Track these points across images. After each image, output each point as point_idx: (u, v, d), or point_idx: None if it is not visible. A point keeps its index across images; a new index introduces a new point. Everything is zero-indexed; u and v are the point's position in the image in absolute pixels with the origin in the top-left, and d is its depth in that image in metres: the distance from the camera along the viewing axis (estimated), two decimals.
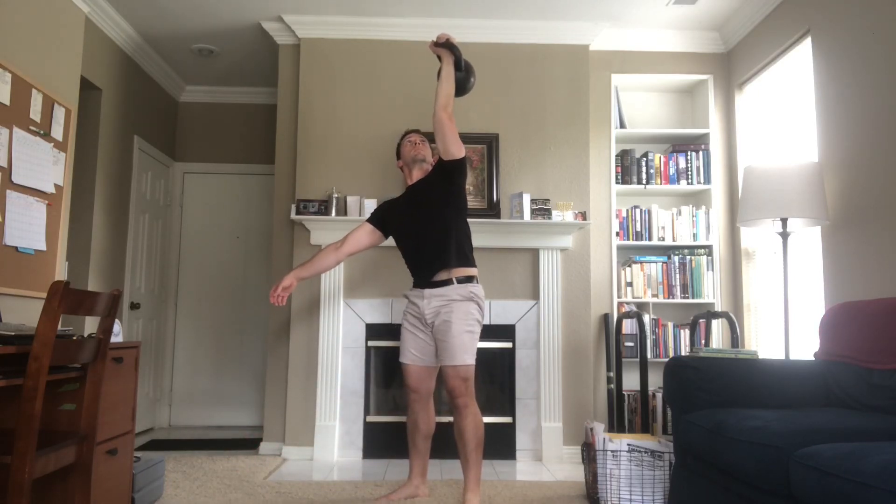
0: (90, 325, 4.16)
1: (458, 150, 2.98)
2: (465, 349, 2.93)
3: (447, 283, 2.98)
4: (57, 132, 3.44)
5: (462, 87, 3.15)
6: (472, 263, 3.06)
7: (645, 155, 4.44)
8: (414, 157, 3.16)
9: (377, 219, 3.24)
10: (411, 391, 3.11)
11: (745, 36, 4.26)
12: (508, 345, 4.16)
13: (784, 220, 3.28)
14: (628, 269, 4.33)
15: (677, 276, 4.32)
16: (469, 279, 3.00)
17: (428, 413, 3.14)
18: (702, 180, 4.40)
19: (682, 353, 4.25)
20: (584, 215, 4.18)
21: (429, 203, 3.06)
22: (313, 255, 3.40)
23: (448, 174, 3.03)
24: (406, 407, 3.20)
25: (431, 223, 3.03)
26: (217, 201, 5.57)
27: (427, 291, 3.01)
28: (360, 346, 4.15)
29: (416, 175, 3.17)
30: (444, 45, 3.08)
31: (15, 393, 2.20)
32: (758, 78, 4.19)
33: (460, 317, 2.93)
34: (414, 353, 3.08)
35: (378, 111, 4.33)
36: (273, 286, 3.11)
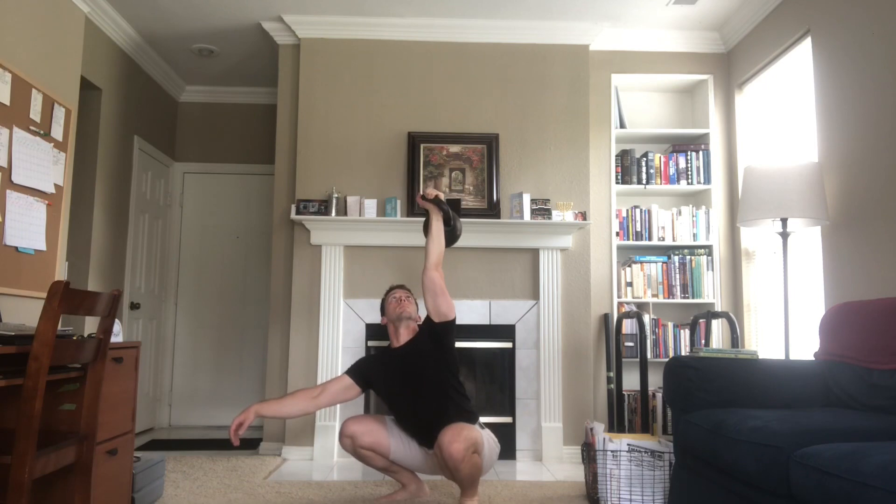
0: (90, 325, 4.16)
1: (449, 311, 2.91)
2: (479, 432, 2.82)
3: None
4: (57, 132, 3.44)
5: (451, 239, 3.06)
6: (475, 419, 2.94)
7: (645, 155, 4.44)
8: (399, 315, 3.02)
9: (360, 378, 3.04)
10: (345, 435, 2.95)
11: (745, 36, 4.26)
12: (508, 345, 4.16)
13: (784, 220, 3.28)
14: (628, 269, 4.33)
15: (677, 276, 4.32)
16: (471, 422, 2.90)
17: (372, 452, 3.00)
18: (702, 180, 4.40)
19: (682, 353, 4.25)
20: (584, 215, 4.18)
21: (423, 371, 2.94)
22: (284, 395, 3.23)
23: (440, 336, 2.94)
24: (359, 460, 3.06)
25: (429, 392, 2.92)
26: (217, 201, 5.57)
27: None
28: (360, 346, 4.15)
29: (403, 333, 3.03)
30: (433, 202, 2.98)
31: (15, 393, 2.20)
32: (758, 78, 4.19)
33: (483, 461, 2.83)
34: (401, 440, 2.98)
35: (378, 111, 4.33)
36: (233, 422, 2.83)
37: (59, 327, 2.05)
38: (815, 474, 1.76)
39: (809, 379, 2.69)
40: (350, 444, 2.97)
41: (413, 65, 4.36)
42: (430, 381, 2.93)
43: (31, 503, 2.31)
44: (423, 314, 3.08)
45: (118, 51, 4.54)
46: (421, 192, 3.06)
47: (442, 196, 3.01)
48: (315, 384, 4.11)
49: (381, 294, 4.15)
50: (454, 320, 2.96)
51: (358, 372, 3.06)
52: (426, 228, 3.03)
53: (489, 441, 2.90)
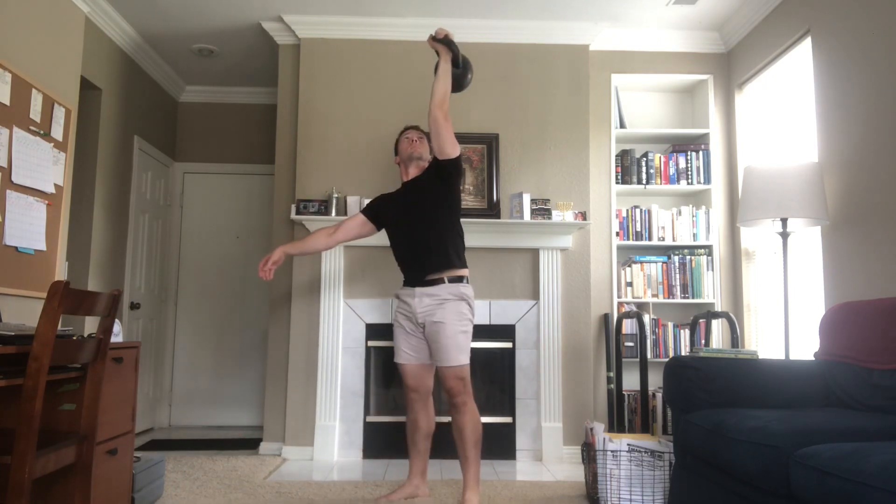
0: (90, 325, 4.16)
1: (452, 150, 2.97)
2: (460, 349, 2.94)
3: (438, 282, 2.99)
4: (57, 132, 3.44)
5: (459, 84, 3.12)
6: (463, 264, 3.07)
7: (645, 155, 4.44)
8: (410, 155, 3.15)
9: (371, 211, 3.26)
10: (410, 390, 3.12)
11: (745, 36, 4.26)
12: (508, 345, 4.15)
13: (784, 220, 3.28)
14: (628, 269, 4.33)
15: (677, 276, 4.32)
16: (459, 279, 3.02)
17: (428, 412, 3.15)
18: (702, 180, 4.40)
19: (682, 353, 4.25)
20: (584, 215, 4.18)
21: (422, 201, 3.06)
22: (306, 236, 3.42)
23: (443, 173, 3.03)
24: (405, 406, 3.20)
25: (424, 222, 3.04)
26: (217, 201, 5.57)
27: (418, 290, 3.01)
28: (360, 346, 4.15)
29: (413, 172, 3.17)
30: (442, 41, 3.04)
31: (15, 393, 2.20)
32: (758, 78, 4.19)
33: (452, 317, 2.94)
34: (408, 352, 3.08)
35: (378, 111, 4.33)
36: (263, 260, 3.13)
37: (59, 327, 2.05)
38: (815, 474, 1.76)
39: (809, 379, 2.70)
40: (416, 398, 3.12)
41: (413, 65, 4.35)
42: (428, 211, 3.04)
43: (31, 503, 2.31)
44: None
45: (118, 51, 4.54)
46: (432, 33, 3.08)
47: (452, 36, 3.04)
48: (315, 384, 4.12)
49: (382, 294, 4.17)
50: (458, 158, 3.01)
51: (369, 208, 3.27)
52: (436, 70, 3.07)
53: (468, 297, 3.02)
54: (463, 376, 2.94)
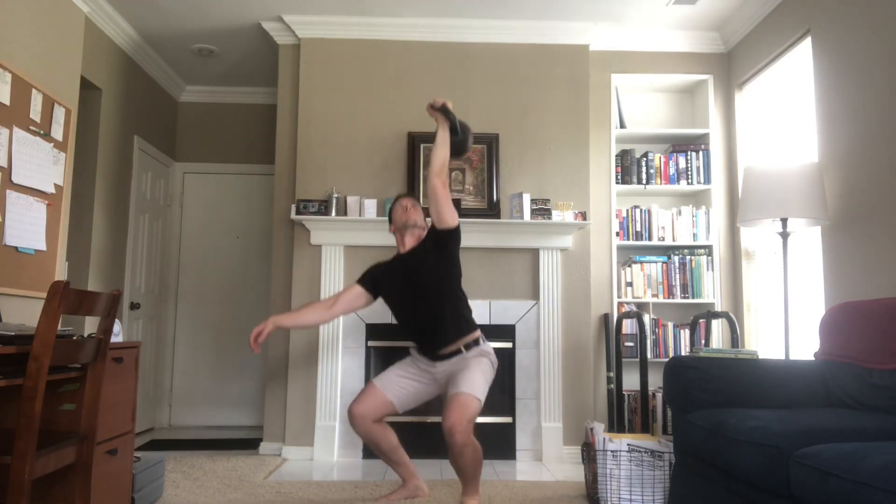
0: (90, 325, 4.16)
1: (452, 219, 2.93)
2: (478, 386, 2.83)
3: (456, 353, 2.95)
4: (57, 132, 3.44)
5: (460, 150, 3.08)
6: (474, 327, 3.02)
7: (645, 155, 4.44)
8: (405, 223, 3.07)
9: (369, 283, 3.13)
10: (356, 416, 2.95)
11: (745, 36, 4.26)
12: (508, 345, 4.15)
13: (784, 220, 3.28)
14: (628, 269, 4.33)
15: (677, 276, 4.32)
16: (476, 342, 2.98)
17: (380, 427, 3.01)
18: (702, 180, 4.40)
19: (682, 353, 4.25)
20: (584, 215, 4.18)
21: (426, 276, 2.99)
22: (301, 305, 3.30)
23: (442, 243, 2.98)
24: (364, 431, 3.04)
25: (431, 297, 2.97)
26: (217, 201, 5.57)
27: (438, 364, 2.97)
28: (360, 346, 4.15)
29: (409, 241, 3.09)
30: (440, 110, 2.99)
31: (15, 393, 2.20)
32: (758, 78, 4.19)
33: (475, 365, 2.90)
34: (394, 387, 2.99)
35: (378, 111, 4.33)
36: (254, 331, 2.93)
37: (59, 327, 2.05)
38: (815, 474, 1.76)
39: (809, 379, 2.70)
40: (363, 424, 2.96)
41: (413, 65, 4.35)
42: (431, 284, 2.98)
43: (31, 503, 2.31)
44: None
45: (118, 51, 4.54)
46: (431, 102, 3.03)
47: (450, 105, 3.01)
48: (315, 384, 4.12)
49: None
50: (457, 228, 2.98)
51: (367, 279, 3.15)
52: (435, 138, 3.03)
53: (488, 373, 2.94)
54: (472, 412, 2.76)
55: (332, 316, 3.15)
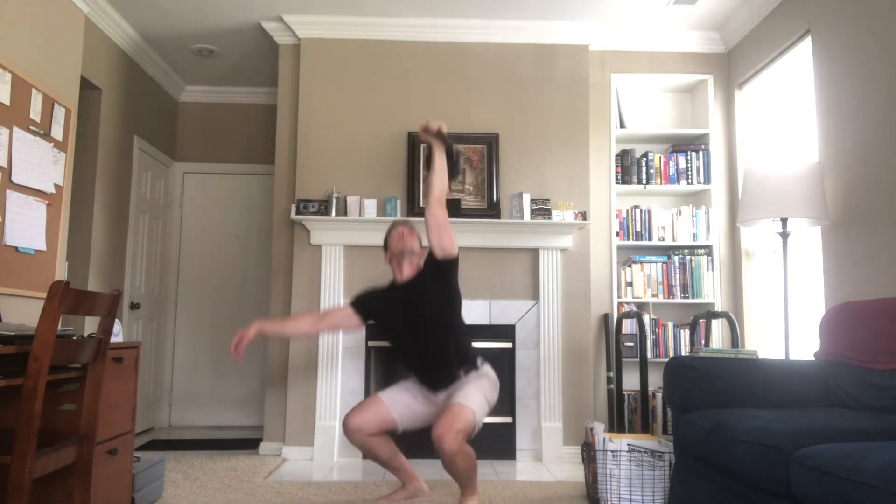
0: (90, 325, 4.16)
1: (452, 247, 2.89)
2: (473, 399, 2.79)
3: (456, 379, 2.91)
4: (57, 132, 3.44)
5: (454, 173, 3.02)
6: (474, 353, 2.99)
7: (645, 155, 4.44)
8: (402, 250, 3.00)
9: (361, 309, 3.06)
10: (353, 430, 2.91)
11: (745, 36, 4.26)
12: (508, 345, 4.15)
13: (784, 220, 3.28)
14: (628, 269, 4.33)
15: (677, 276, 4.32)
16: (474, 366, 2.94)
17: (379, 438, 2.98)
18: (702, 180, 4.40)
19: (682, 353, 4.25)
20: (584, 215, 4.18)
21: (428, 307, 2.94)
22: (288, 317, 3.26)
23: (443, 272, 2.93)
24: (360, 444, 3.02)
25: (434, 330, 2.93)
26: (217, 201, 5.57)
27: (439, 393, 2.94)
28: (360, 346, 4.14)
29: (406, 269, 3.01)
30: (435, 135, 2.92)
31: (15, 393, 2.20)
32: (758, 78, 4.19)
33: (474, 382, 2.88)
34: (399, 405, 2.97)
35: (378, 111, 4.33)
36: (236, 337, 2.88)
37: (59, 327, 2.05)
38: (815, 474, 1.76)
39: (809, 379, 2.70)
40: (360, 437, 2.93)
41: (413, 65, 4.35)
42: (432, 316, 2.93)
43: (31, 503, 2.31)
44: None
45: (118, 51, 4.54)
46: (423, 125, 2.95)
47: (444, 129, 2.94)
48: (315, 384, 4.11)
49: None
50: (457, 257, 2.94)
51: (360, 303, 3.07)
52: (428, 163, 2.98)
53: (487, 392, 2.89)
54: (464, 429, 2.68)
55: (317, 331, 3.10)
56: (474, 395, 2.81)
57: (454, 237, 2.91)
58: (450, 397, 2.86)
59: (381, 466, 3.11)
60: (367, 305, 3.07)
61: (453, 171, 3.00)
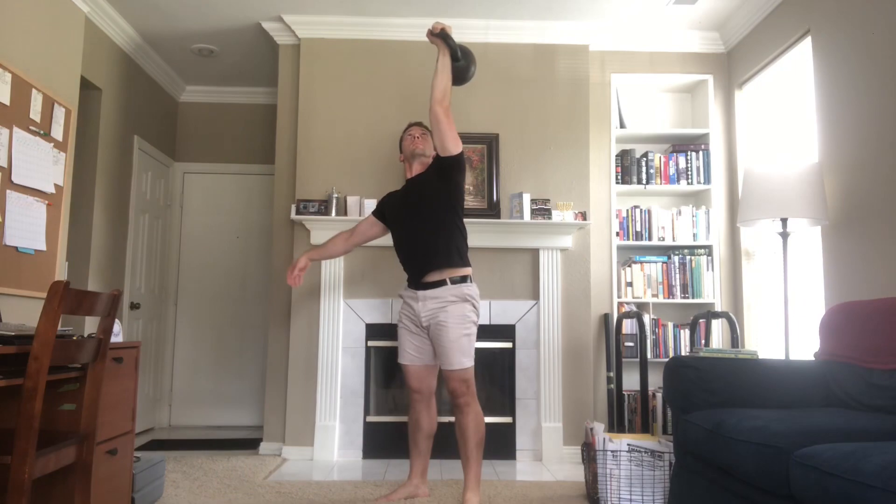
0: (90, 325, 4.16)
1: (454, 146, 2.95)
2: (463, 352, 2.92)
3: (441, 283, 2.96)
4: (57, 132, 3.44)
5: (462, 77, 3.05)
6: (466, 263, 3.04)
7: (645, 155, 4.44)
8: (413, 151, 3.13)
9: (378, 211, 3.27)
10: (413, 391, 3.11)
11: (745, 36, 4.26)
12: (508, 345, 4.15)
13: (784, 221, 3.28)
14: (628, 269, 4.33)
15: (677, 276, 4.32)
16: (463, 279, 2.99)
17: (430, 412, 3.14)
18: (702, 180, 4.40)
19: (682, 353, 4.25)
20: (584, 215, 4.18)
21: (423, 199, 3.04)
22: (327, 240, 3.44)
23: (444, 171, 3.00)
24: (406, 406, 3.20)
25: (424, 220, 3.01)
26: (217, 201, 5.57)
27: (421, 293, 2.99)
28: (360, 346, 4.14)
29: (416, 169, 3.15)
30: (439, 36, 2.97)
31: (15, 393, 2.20)
32: (758, 78, 4.19)
33: (456, 320, 2.92)
34: (412, 353, 3.07)
35: (378, 111, 4.33)
36: (290, 267, 3.24)
37: (59, 327, 2.05)
38: (815, 474, 1.76)
39: (809, 379, 2.70)
40: (424, 402, 3.12)
41: (413, 65, 4.35)
42: (428, 210, 3.02)
43: (31, 503, 2.31)
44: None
45: (118, 51, 4.54)
46: (430, 27, 3.01)
47: (449, 30, 2.98)
48: (315, 384, 4.12)
49: (381, 294, 4.17)
50: (460, 155, 2.99)
51: (378, 208, 3.29)
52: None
53: (473, 298, 2.99)
54: (466, 378, 2.94)
55: (352, 245, 3.33)
56: (462, 346, 2.92)
57: (457, 137, 2.96)
58: (437, 339, 2.94)
59: (410, 446, 3.16)
60: (382, 208, 3.25)
61: (462, 74, 3.04)
